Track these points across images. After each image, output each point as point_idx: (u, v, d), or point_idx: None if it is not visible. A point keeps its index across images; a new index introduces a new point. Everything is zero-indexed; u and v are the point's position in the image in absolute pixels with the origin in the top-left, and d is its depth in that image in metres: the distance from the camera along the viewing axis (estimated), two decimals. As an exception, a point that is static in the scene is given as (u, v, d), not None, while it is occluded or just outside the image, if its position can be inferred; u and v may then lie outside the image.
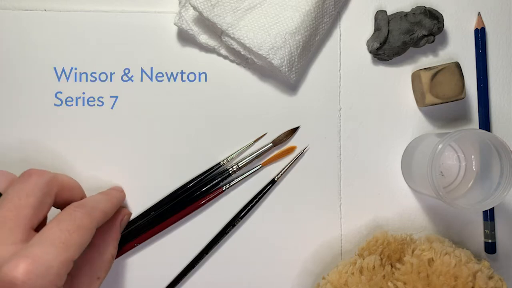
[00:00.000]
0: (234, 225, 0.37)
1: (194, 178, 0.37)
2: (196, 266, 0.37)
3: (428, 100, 0.36)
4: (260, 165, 0.37)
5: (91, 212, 0.28)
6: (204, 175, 0.37)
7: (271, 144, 0.37)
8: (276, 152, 0.38)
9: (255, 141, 0.37)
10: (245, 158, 0.37)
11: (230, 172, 0.36)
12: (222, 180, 0.37)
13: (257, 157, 0.37)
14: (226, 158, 0.37)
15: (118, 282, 0.36)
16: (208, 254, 0.37)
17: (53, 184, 0.28)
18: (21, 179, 0.27)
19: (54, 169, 0.36)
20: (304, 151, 0.38)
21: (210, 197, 0.36)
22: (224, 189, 0.37)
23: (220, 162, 0.37)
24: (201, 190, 0.36)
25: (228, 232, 0.37)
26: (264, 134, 0.38)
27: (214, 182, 0.36)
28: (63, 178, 0.30)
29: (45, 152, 0.36)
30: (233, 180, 0.37)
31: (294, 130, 0.38)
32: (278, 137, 0.37)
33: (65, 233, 0.25)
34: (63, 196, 0.29)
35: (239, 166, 0.36)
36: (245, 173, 0.37)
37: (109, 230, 0.32)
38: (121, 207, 0.35)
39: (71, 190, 0.31)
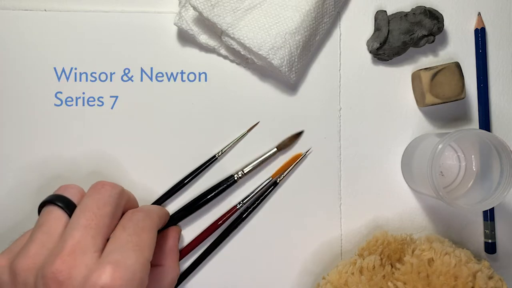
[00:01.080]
0: (235, 226, 0.37)
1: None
2: (198, 267, 0.37)
3: (428, 100, 0.36)
4: (270, 178, 0.37)
5: (149, 214, 0.29)
6: (197, 169, 0.37)
7: (275, 149, 0.37)
8: (284, 162, 0.38)
9: (248, 131, 0.37)
10: (250, 164, 0.37)
11: (236, 178, 0.36)
12: (227, 187, 0.36)
13: (262, 162, 0.37)
14: (221, 150, 0.37)
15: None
16: (210, 255, 0.37)
17: (124, 196, 0.29)
18: (95, 190, 0.27)
19: (53, 169, 0.36)
20: (307, 153, 0.38)
21: (226, 216, 0.37)
22: (238, 207, 0.37)
23: (215, 155, 0.37)
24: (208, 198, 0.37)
25: (229, 233, 0.37)
26: (257, 123, 0.37)
27: (220, 189, 0.36)
28: (128, 193, 0.31)
29: (44, 152, 0.36)
30: (244, 195, 0.37)
31: (298, 134, 0.38)
32: (283, 141, 0.37)
33: (134, 236, 0.26)
34: (125, 209, 0.30)
35: (245, 172, 0.36)
36: (257, 188, 0.37)
37: (171, 249, 0.33)
38: (173, 226, 0.35)
39: (132, 204, 0.32)
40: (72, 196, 0.28)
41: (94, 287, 0.22)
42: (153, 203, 0.36)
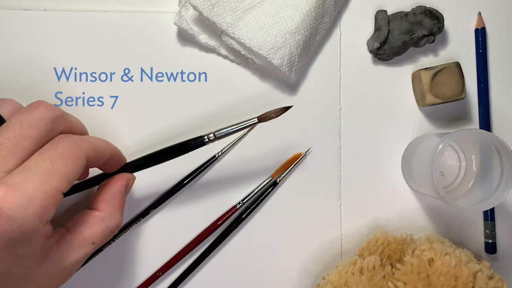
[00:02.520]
0: (235, 226, 0.37)
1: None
2: (197, 267, 0.37)
3: (428, 100, 0.36)
4: (270, 178, 0.37)
5: (77, 142, 0.26)
6: (198, 169, 0.36)
7: (256, 119, 0.32)
8: (284, 162, 0.38)
9: (248, 131, 0.37)
10: (225, 129, 0.32)
11: (206, 140, 0.32)
12: (194, 147, 0.32)
13: (237, 130, 0.32)
14: (221, 150, 0.37)
15: (120, 282, 0.36)
16: (210, 255, 0.37)
17: (60, 121, 0.26)
18: (27, 109, 0.25)
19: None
20: (307, 153, 0.38)
21: (226, 216, 0.37)
22: (237, 207, 0.37)
23: (215, 155, 0.37)
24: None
25: (229, 233, 0.37)
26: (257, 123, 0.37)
27: (186, 146, 0.32)
28: (72, 120, 0.28)
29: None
30: (244, 195, 0.37)
31: (286, 108, 0.33)
32: (266, 113, 0.33)
33: (46, 162, 0.24)
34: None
35: (216, 135, 0.32)
36: (256, 188, 0.37)
37: (114, 195, 0.30)
38: (125, 172, 0.32)
39: (77, 132, 0.29)
40: (5, 112, 0.27)
41: None
42: (153, 204, 0.36)
